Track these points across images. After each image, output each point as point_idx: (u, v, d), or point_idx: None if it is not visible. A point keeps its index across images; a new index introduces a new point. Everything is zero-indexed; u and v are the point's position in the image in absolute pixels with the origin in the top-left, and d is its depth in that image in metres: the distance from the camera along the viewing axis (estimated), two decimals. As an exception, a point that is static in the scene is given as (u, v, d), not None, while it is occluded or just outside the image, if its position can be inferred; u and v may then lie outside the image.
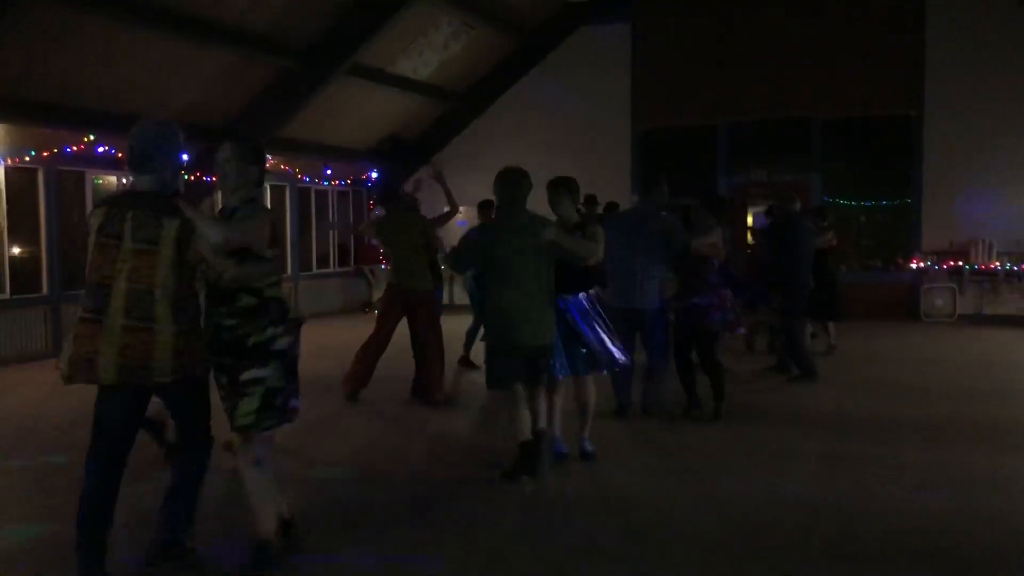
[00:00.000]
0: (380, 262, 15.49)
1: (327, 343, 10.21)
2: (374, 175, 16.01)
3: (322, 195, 15.22)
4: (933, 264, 13.45)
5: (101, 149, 10.78)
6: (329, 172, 15.13)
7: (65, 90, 10.03)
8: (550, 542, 4.29)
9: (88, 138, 10.67)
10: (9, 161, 10.19)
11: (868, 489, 5.02)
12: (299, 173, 14.43)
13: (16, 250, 10.46)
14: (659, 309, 6.72)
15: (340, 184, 15.53)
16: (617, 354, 5.59)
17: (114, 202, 3.78)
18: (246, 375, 3.72)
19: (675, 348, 7.07)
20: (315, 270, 15.14)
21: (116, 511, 3.68)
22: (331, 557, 4.08)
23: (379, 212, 7.40)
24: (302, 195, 14.66)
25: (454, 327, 9.04)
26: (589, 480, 5.32)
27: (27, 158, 10.21)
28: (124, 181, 11.69)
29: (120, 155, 11.02)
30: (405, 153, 16.02)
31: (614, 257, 6.30)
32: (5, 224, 10.16)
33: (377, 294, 13.41)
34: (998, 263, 13.08)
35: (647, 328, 6.68)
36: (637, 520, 4.56)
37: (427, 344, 7.64)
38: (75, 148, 10.57)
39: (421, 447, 6.22)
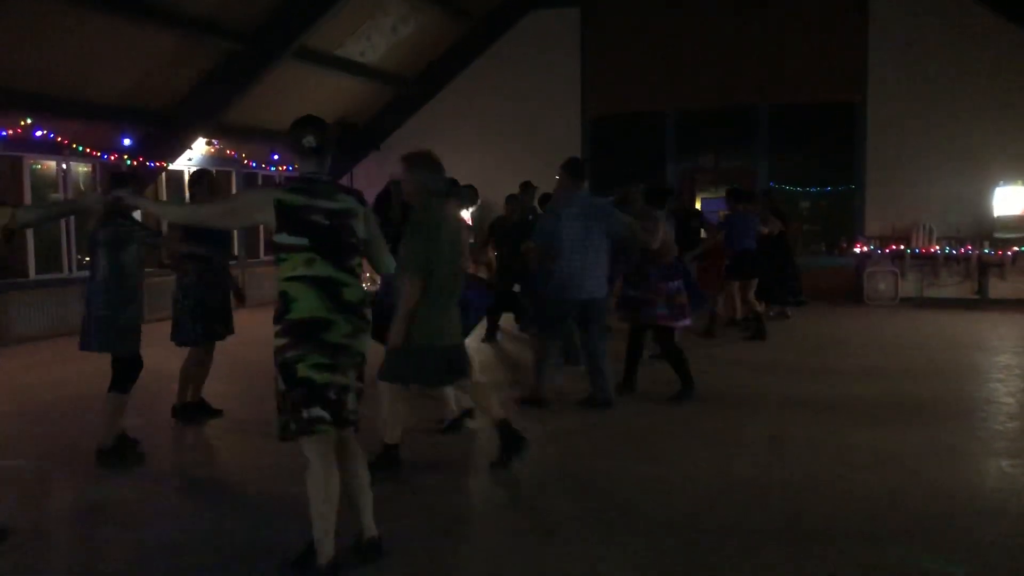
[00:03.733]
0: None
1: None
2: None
3: (268, 180, 14.99)
4: (876, 248, 13.74)
5: (39, 133, 10.47)
6: (276, 157, 14.91)
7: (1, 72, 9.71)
8: (509, 526, 4.31)
9: (25, 122, 10.35)
10: (-60, 144, 9.86)
11: (815, 469, 5.12)
12: (245, 158, 14.19)
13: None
14: (605, 297, 6.79)
15: (288, 169, 15.31)
16: None
17: None
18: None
19: (628, 334, 7.26)
20: (263, 257, 14.92)
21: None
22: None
23: None
24: (248, 180, 14.43)
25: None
26: (547, 466, 5.34)
27: (-41, 141, 9.88)
28: (63, 167, 11.41)
29: (59, 139, 10.73)
30: (354, 138, 15.87)
31: (568, 247, 6.33)
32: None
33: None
34: (937, 247, 13.41)
35: (595, 316, 6.68)
36: (592, 504, 4.59)
37: None
38: (11, 132, 10.26)
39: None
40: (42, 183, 11.32)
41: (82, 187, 11.98)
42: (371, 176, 15.69)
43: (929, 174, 13.57)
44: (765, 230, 10.36)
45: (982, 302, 12.85)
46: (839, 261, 14.24)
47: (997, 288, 13.15)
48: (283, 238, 3.54)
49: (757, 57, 14.11)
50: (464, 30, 15.13)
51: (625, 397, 7.05)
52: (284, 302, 3.54)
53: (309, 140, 3.60)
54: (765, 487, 4.82)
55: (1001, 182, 13.17)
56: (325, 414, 3.53)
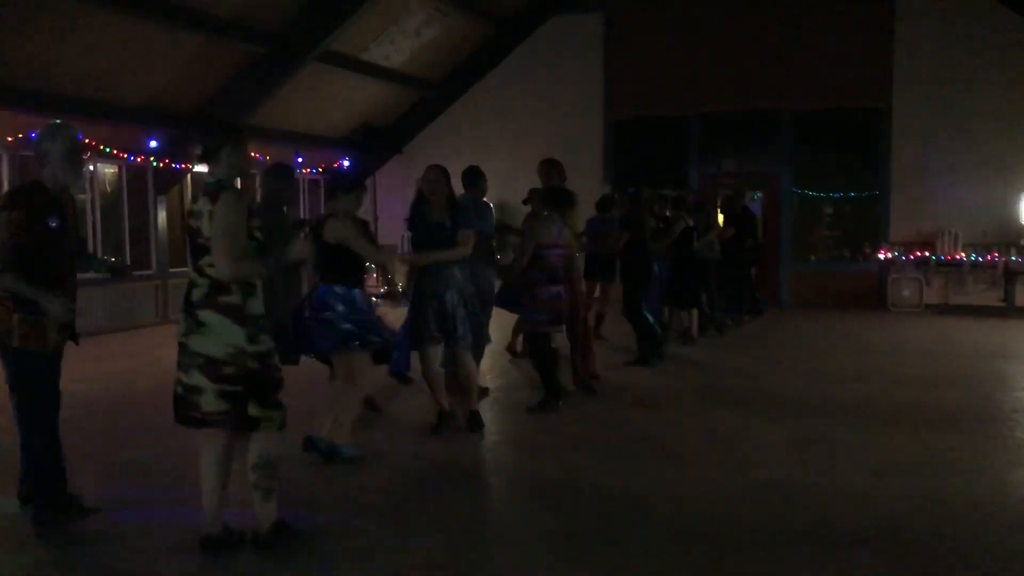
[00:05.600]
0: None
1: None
2: (345, 163, 15.90)
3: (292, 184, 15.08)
4: (900, 254, 13.63)
5: (67, 134, 10.59)
6: (300, 160, 15.00)
7: (30, 73, 9.82)
8: (527, 529, 4.31)
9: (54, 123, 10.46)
10: (-29, 145, 10.00)
11: (838, 475, 5.08)
12: (269, 161, 14.28)
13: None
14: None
15: (311, 172, 15.40)
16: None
17: None
18: None
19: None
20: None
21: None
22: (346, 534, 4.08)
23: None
24: (272, 183, 14.49)
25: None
26: (561, 468, 5.34)
27: (-10, 142, 10.01)
28: (91, 168, 11.54)
29: (88, 141, 10.84)
30: (377, 141, 15.94)
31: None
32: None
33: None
34: (963, 253, 13.28)
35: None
36: (611, 509, 4.59)
37: None
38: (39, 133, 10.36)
39: (403, 431, 6.20)
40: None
41: (108, 188, 12.12)
42: (394, 178, 15.78)
43: (955, 180, 13.45)
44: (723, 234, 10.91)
45: (1009, 310, 12.70)
46: (863, 267, 14.13)
47: (1024, 296, 13.00)
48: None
49: (781, 61, 14.04)
50: (487, 34, 15.17)
51: (637, 402, 7.06)
52: None
53: (197, 149, 3.98)
54: (787, 493, 4.79)
55: (1028, 188, 13.04)
56: (174, 411, 3.87)
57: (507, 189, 12.12)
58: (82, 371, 7.46)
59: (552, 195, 6.91)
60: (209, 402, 3.75)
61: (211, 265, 3.74)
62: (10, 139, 10.16)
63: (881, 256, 13.82)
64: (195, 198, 3.86)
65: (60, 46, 9.71)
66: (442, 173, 5.96)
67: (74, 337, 4.39)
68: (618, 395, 7.36)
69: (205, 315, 3.75)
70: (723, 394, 7.37)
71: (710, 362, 8.98)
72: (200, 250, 3.77)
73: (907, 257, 13.57)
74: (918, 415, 6.57)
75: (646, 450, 5.74)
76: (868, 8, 13.77)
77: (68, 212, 4.30)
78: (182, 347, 3.80)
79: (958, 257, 13.27)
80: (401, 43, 13.89)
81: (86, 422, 6.30)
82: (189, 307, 3.78)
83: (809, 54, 13.92)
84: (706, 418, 6.58)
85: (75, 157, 4.32)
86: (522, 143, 14.61)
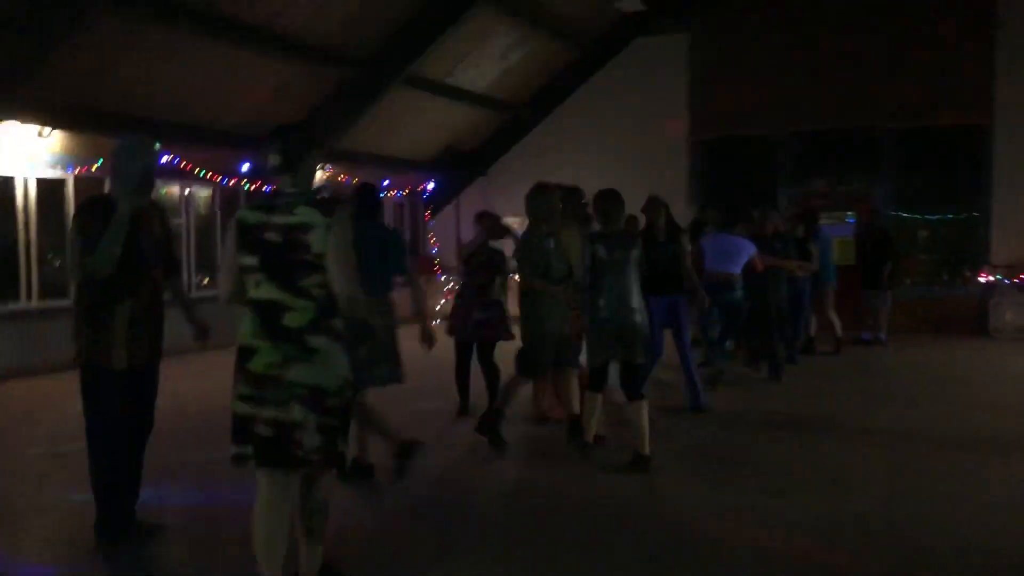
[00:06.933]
0: (435, 271, 15.57)
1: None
2: (431, 186, 16.09)
3: (379, 205, 15.31)
4: (1003, 278, 13.02)
5: (164, 159, 10.99)
6: (387, 183, 15.24)
7: (130, 99, 10.24)
8: (610, 552, 4.21)
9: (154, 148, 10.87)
10: (78, 170, 10.45)
11: (938, 508, 4.83)
12: (356, 183, 14.53)
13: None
14: None
15: (397, 195, 15.63)
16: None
17: None
18: None
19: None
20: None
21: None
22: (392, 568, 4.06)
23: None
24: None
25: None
26: (645, 491, 5.22)
27: (94, 167, 10.45)
28: (186, 191, 11.95)
29: (184, 164, 11.24)
30: (463, 164, 16.08)
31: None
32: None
33: (431, 303, 13.46)
34: (1072, 277, 12.60)
35: None
36: (697, 532, 4.45)
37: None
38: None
39: (470, 455, 6.17)
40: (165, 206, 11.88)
41: (202, 211, 12.52)
42: (475, 201, 15.87)
43: (1061, 200, 12.80)
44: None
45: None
46: (962, 291, 13.54)
47: None
48: (242, 259, 3.37)
49: (874, 78, 13.63)
50: (572, 57, 15.18)
51: (721, 421, 6.88)
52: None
53: (273, 159, 3.39)
54: (884, 524, 4.57)
55: None
56: (246, 450, 3.33)
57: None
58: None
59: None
60: (312, 438, 3.29)
61: (319, 286, 3.29)
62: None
63: (982, 279, 13.24)
64: (267, 208, 3.37)
65: (155, 72, 10.08)
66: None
67: (154, 357, 4.37)
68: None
69: (317, 341, 3.30)
70: (814, 420, 7.13)
71: (802, 389, 8.70)
72: (303, 268, 3.28)
73: (1010, 281, 12.96)
74: (1025, 446, 6.23)
75: (731, 473, 5.57)
76: (967, 22, 13.28)
77: (144, 227, 4.30)
78: (271, 380, 3.28)
79: (1065, 281, 12.61)
80: (486, 67, 14.02)
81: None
82: (286, 333, 3.28)
83: (906, 69, 13.47)
84: (800, 444, 6.37)
85: (146, 175, 4.32)
86: (606, 163, 14.53)
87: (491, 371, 7.14)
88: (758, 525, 4.57)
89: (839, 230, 13.22)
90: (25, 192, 10.11)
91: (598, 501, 5.02)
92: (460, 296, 7.49)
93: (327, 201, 3.38)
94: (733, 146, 14.79)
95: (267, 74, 11.21)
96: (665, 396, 7.76)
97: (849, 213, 15.10)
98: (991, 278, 13.14)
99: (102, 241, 4.07)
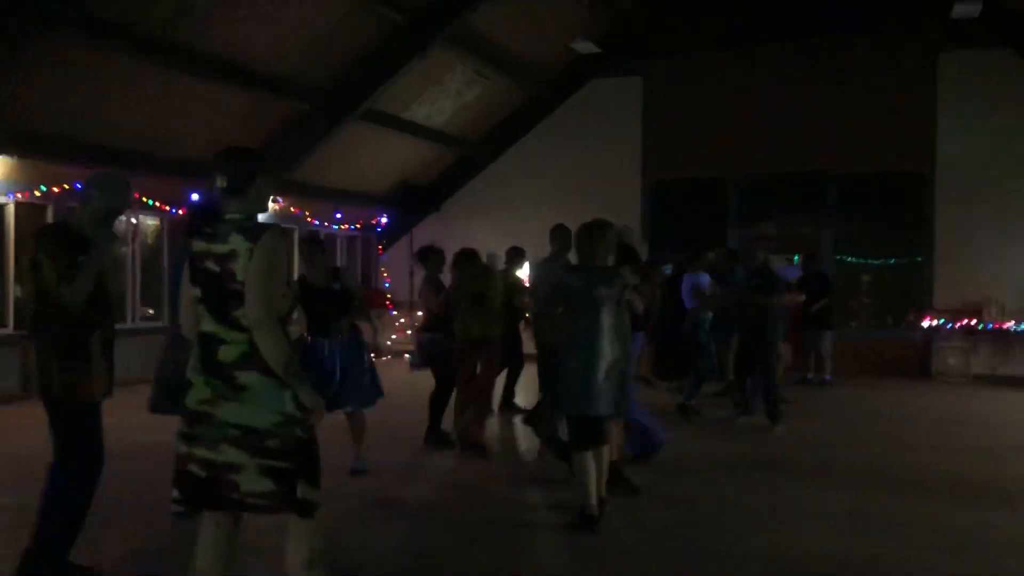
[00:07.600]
0: (387, 307, 15.44)
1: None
2: (384, 220, 16.00)
3: (331, 239, 15.19)
4: (946, 322, 13.30)
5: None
6: (339, 216, 15.12)
7: (78, 126, 10.03)
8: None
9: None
10: (19, 196, 10.17)
11: (898, 548, 4.84)
12: (308, 216, 14.41)
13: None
14: None
15: (350, 228, 15.51)
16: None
17: None
18: None
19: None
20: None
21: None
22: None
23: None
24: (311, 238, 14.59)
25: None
26: (610, 537, 5.15)
27: (37, 193, 10.19)
28: (133, 220, 11.70)
29: (135, 194, 11.00)
30: (416, 199, 16.05)
31: None
32: (12, 260, 10.12)
33: (382, 337, 13.32)
34: (1012, 322, 12.93)
35: None
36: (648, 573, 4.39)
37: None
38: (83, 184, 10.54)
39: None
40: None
41: (150, 241, 12.26)
42: (429, 236, 15.80)
43: (1002, 247, 13.14)
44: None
45: (1060, 381, 12.29)
46: (906, 334, 13.81)
47: (1076, 367, 12.59)
48: (192, 289, 3.24)
49: (823, 124, 13.98)
50: (528, 96, 15.31)
51: (690, 465, 6.84)
52: None
53: (220, 180, 3.21)
54: (844, 564, 4.56)
55: (1078, 257, 12.72)
56: (175, 493, 3.18)
57: (544, 249, 12.05)
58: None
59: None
60: (252, 482, 3.07)
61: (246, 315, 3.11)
62: (56, 190, 10.34)
63: (925, 324, 13.51)
64: (209, 236, 3.18)
65: (101, 98, 9.90)
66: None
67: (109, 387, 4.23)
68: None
69: (247, 378, 3.08)
70: (769, 462, 7.13)
71: (751, 429, 8.73)
72: (234, 298, 3.11)
73: (952, 325, 13.25)
74: (975, 487, 6.29)
75: (687, 514, 5.53)
76: (910, 72, 13.69)
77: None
78: (202, 417, 3.12)
79: (1006, 326, 12.93)
80: (442, 103, 14.05)
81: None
82: (218, 368, 3.10)
83: (851, 117, 13.83)
84: (756, 485, 6.35)
85: (118, 213, 4.32)
86: (559, 202, 14.58)
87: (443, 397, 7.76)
88: (719, 567, 4.52)
89: (790, 271, 13.41)
90: (-35, 217, 9.81)
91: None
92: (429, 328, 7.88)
93: (257, 226, 3.19)
94: (685, 187, 14.99)
95: (220, 104, 11.08)
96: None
97: (796, 256, 15.39)
98: (934, 322, 13.41)
99: (80, 273, 3.91)
